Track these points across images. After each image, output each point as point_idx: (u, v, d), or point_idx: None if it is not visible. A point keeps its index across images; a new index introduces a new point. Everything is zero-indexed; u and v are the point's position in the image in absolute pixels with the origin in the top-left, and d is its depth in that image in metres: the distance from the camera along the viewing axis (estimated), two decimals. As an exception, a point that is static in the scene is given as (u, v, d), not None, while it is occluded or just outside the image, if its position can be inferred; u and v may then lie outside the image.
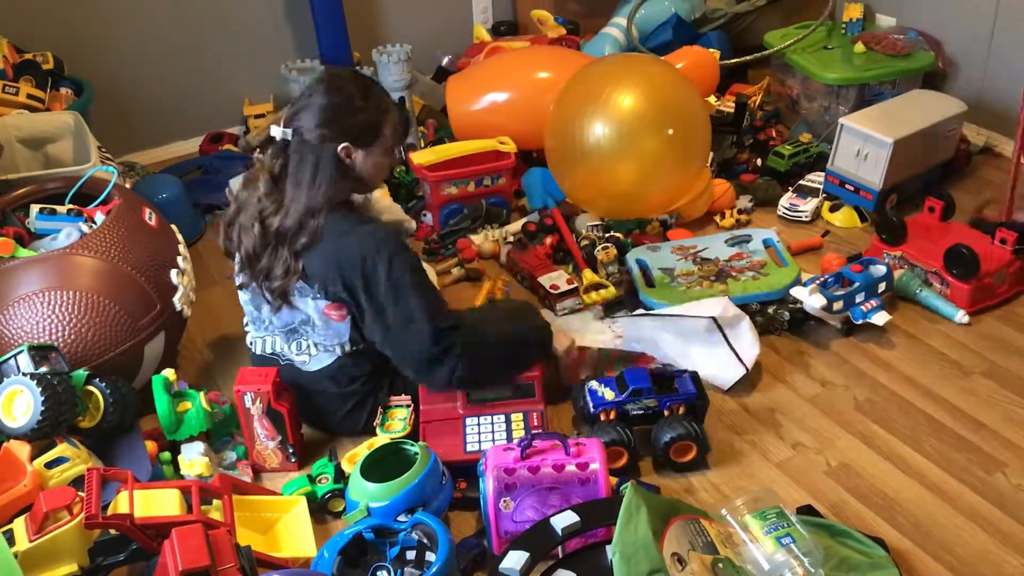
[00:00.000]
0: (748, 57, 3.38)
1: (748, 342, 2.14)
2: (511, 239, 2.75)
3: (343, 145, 1.87)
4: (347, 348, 1.98)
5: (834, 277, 2.31)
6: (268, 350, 2.06)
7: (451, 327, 1.87)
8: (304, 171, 1.88)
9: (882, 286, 2.31)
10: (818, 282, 2.29)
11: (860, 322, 2.26)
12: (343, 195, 1.94)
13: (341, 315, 1.93)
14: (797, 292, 2.29)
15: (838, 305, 2.25)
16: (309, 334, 1.99)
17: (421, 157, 2.87)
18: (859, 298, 2.27)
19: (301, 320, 1.98)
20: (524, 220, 2.82)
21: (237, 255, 2.03)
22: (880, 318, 2.25)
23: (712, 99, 3.29)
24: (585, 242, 2.64)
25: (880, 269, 2.32)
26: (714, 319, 2.11)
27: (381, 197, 2.49)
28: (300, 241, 1.87)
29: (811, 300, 2.25)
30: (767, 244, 2.52)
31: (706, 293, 2.33)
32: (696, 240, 2.59)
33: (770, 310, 2.30)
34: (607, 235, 2.67)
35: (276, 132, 1.89)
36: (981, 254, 2.27)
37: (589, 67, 2.77)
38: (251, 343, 2.11)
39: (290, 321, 2.00)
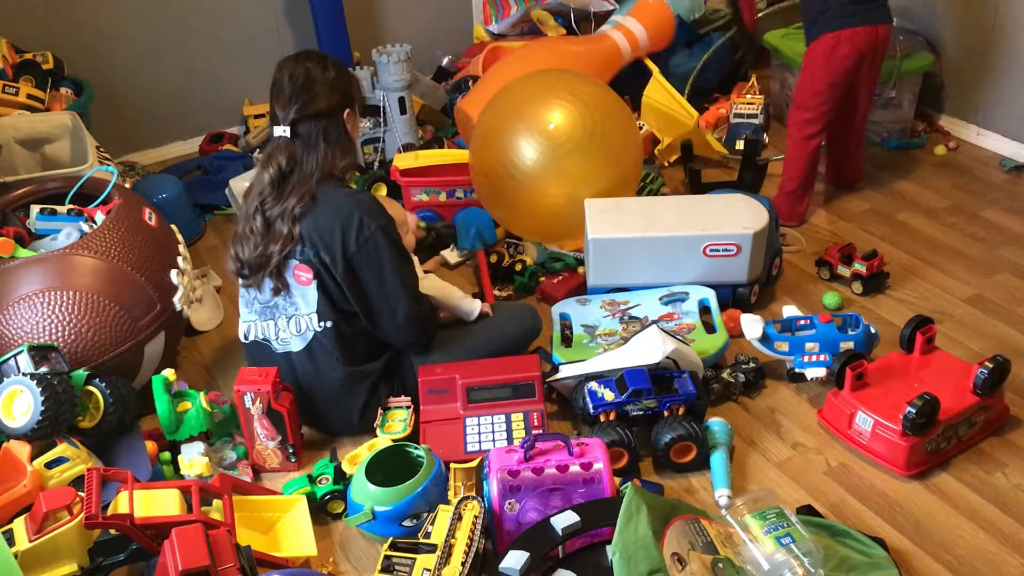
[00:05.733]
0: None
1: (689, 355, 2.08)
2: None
3: (346, 112, 1.96)
4: (316, 322, 1.98)
5: (809, 321, 2.20)
6: (259, 335, 2.06)
7: (422, 298, 2.03)
8: (314, 151, 1.92)
9: (846, 345, 2.13)
10: (779, 322, 2.21)
11: (797, 371, 2.14)
12: (344, 163, 1.98)
13: (308, 278, 1.95)
14: (744, 317, 2.22)
15: (782, 346, 2.17)
16: (284, 308, 2.00)
17: (401, 161, 2.88)
18: (808, 346, 2.15)
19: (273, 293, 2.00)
20: (453, 251, 2.78)
21: (238, 266, 2.02)
22: (813, 372, 2.12)
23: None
24: (495, 257, 2.63)
25: (852, 332, 2.17)
26: (668, 358, 2.01)
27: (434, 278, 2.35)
28: (296, 208, 1.91)
29: (750, 327, 2.16)
30: (703, 305, 2.33)
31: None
32: (629, 295, 2.40)
33: (724, 374, 2.15)
34: (517, 256, 2.66)
35: (279, 132, 1.91)
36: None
37: (517, 82, 2.69)
38: (244, 334, 2.09)
39: (265, 300, 2.01)
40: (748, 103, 3.34)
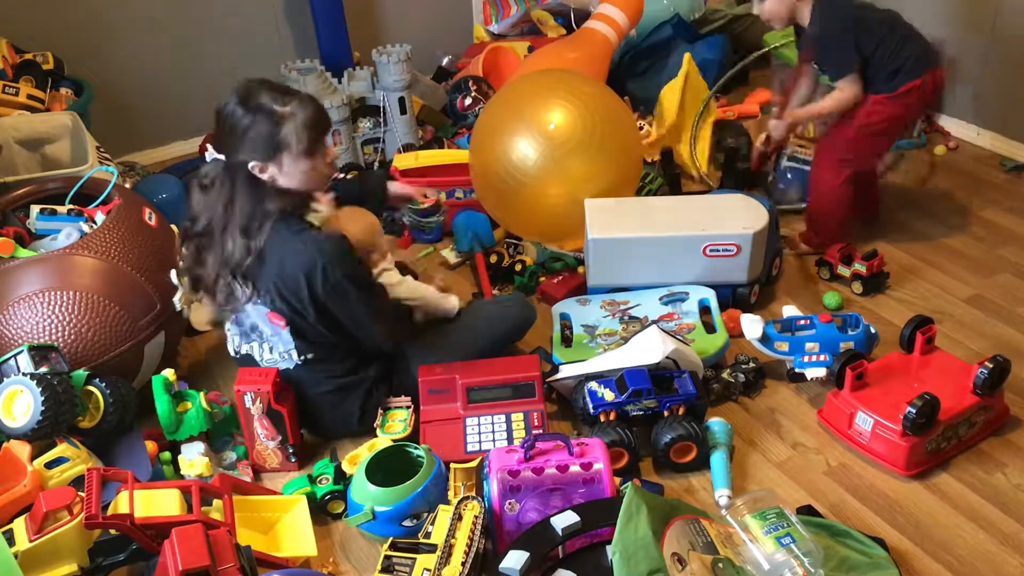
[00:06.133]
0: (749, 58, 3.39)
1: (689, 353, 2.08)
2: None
3: (252, 164, 1.79)
4: (296, 357, 1.97)
5: (809, 321, 2.20)
6: (243, 350, 2.04)
7: (395, 327, 2.04)
8: (223, 193, 1.83)
9: (846, 345, 2.14)
10: (779, 322, 2.22)
11: (797, 371, 2.15)
12: (277, 211, 1.83)
13: (283, 324, 1.93)
14: (744, 317, 2.21)
15: (782, 346, 2.17)
16: (264, 338, 1.98)
17: (400, 161, 2.88)
18: (808, 346, 2.16)
19: (251, 325, 1.98)
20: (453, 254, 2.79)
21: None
22: (813, 372, 2.12)
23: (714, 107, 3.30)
24: (494, 257, 2.63)
25: (852, 333, 2.17)
26: (668, 358, 2.01)
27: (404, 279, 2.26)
28: (244, 265, 1.85)
29: (750, 327, 2.17)
30: (703, 305, 2.33)
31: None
32: (629, 295, 2.40)
33: (724, 374, 2.15)
34: (517, 256, 2.66)
35: (208, 155, 1.86)
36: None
37: (517, 82, 2.66)
38: (235, 349, 2.07)
39: (243, 324, 1.99)
40: (803, 146, 2.94)
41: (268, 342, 1.98)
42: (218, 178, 1.84)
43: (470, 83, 3.42)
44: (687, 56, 3.21)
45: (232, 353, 2.08)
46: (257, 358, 2.02)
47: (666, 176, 2.99)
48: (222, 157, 1.83)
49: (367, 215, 2.24)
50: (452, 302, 2.19)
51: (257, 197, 1.83)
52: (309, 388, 2.02)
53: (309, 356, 1.97)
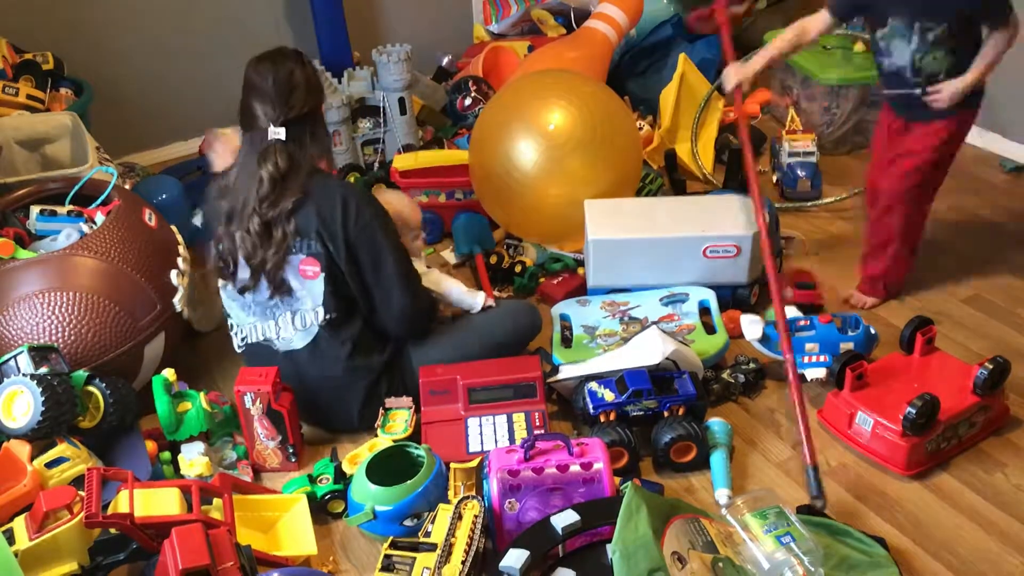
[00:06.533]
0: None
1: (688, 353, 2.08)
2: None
3: (325, 104, 2.04)
4: (322, 315, 1.98)
5: (810, 321, 2.19)
6: (260, 337, 2.06)
7: (419, 292, 2.07)
8: (304, 149, 1.94)
9: (846, 346, 2.12)
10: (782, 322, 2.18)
11: (799, 371, 2.09)
12: (327, 155, 2.06)
13: (316, 271, 1.95)
14: (744, 318, 2.21)
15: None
16: (287, 303, 1.99)
17: (400, 162, 2.88)
18: (808, 347, 2.15)
19: (277, 285, 1.99)
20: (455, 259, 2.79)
21: (224, 265, 2.02)
22: (813, 373, 2.12)
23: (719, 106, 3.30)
24: (494, 258, 2.63)
25: (852, 333, 2.16)
26: (668, 359, 2.02)
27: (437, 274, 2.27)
28: (289, 206, 1.91)
29: (750, 328, 2.17)
30: (703, 305, 2.33)
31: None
32: (630, 296, 2.40)
33: (724, 375, 2.15)
34: (517, 257, 2.66)
35: (274, 133, 1.90)
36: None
37: (517, 82, 2.66)
38: (242, 338, 2.09)
39: (267, 297, 2.01)
40: (797, 139, 3.03)
41: (293, 306, 1.99)
42: (296, 134, 1.92)
43: (470, 83, 3.42)
44: (682, 56, 3.22)
45: (238, 347, 2.09)
46: (273, 337, 2.03)
47: (672, 181, 2.99)
48: (281, 133, 1.90)
49: (402, 198, 2.32)
50: (478, 299, 2.22)
51: (324, 134, 2.05)
52: (319, 372, 2.02)
53: (333, 316, 1.98)
